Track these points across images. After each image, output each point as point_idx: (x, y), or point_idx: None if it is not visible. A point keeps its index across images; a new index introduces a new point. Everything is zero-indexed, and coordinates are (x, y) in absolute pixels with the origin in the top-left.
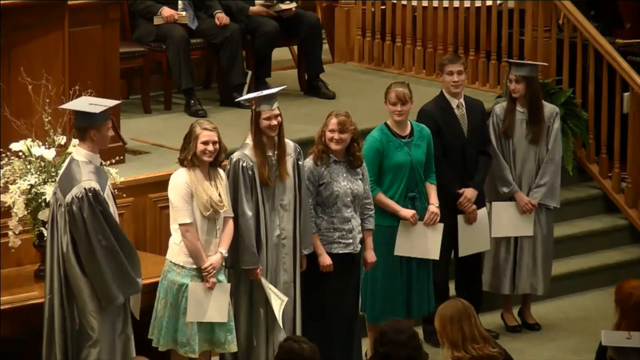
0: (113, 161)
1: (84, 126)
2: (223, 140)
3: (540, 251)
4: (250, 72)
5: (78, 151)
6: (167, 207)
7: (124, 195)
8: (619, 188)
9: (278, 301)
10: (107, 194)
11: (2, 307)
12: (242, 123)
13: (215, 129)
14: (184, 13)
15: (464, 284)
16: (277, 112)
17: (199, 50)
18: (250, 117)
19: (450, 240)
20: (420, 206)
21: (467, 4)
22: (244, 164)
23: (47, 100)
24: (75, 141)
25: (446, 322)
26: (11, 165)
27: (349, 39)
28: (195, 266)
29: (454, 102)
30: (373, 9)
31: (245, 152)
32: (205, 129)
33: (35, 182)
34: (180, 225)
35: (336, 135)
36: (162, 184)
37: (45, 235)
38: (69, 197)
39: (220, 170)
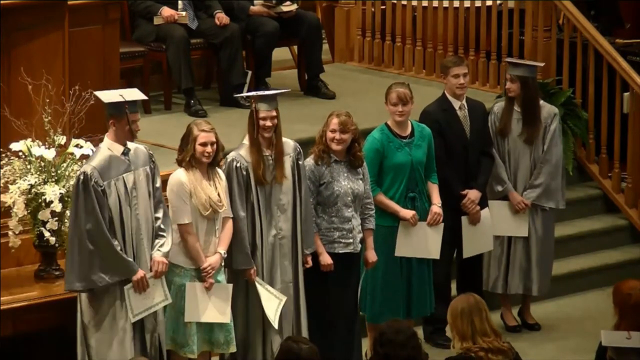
0: None
1: (106, 115)
2: (223, 141)
3: (535, 252)
4: (250, 72)
5: (106, 137)
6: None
7: None
8: (619, 188)
9: (275, 301)
10: (116, 185)
11: (2, 307)
12: (242, 123)
13: (213, 129)
14: (184, 13)
15: (465, 283)
16: (273, 113)
17: (199, 50)
18: (250, 114)
19: (452, 240)
20: (421, 206)
21: (467, 4)
22: (238, 164)
23: (47, 100)
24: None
25: (457, 315)
26: (11, 165)
27: (349, 39)
28: (194, 266)
29: (456, 104)
30: (373, 9)
31: (240, 152)
32: (203, 130)
33: (35, 182)
34: (179, 225)
35: (337, 135)
36: (162, 183)
37: (46, 235)
38: None
39: (219, 170)
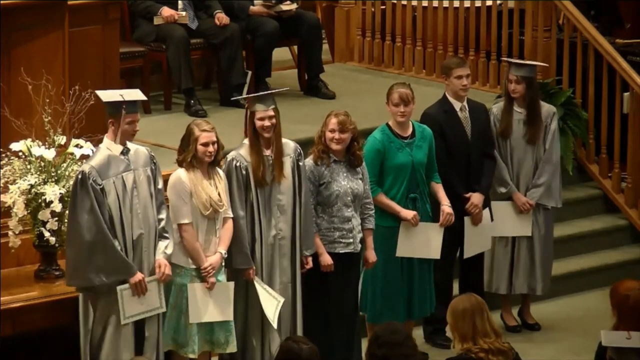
0: None
1: (106, 113)
2: (223, 141)
3: (539, 251)
4: (250, 72)
5: (105, 137)
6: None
7: None
8: (619, 188)
9: (274, 302)
10: (115, 184)
11: (2, 307)
12: (242, 123)
13: (213, 128)
14: (184, 13)
15: (467, 284)
16: (271, 113)
17: (199, 50)
18: (245, 116)
19: (454, 240)
20: (422, 207)
21: (467, 4)
22: (237, 164)
23: (47, 100)
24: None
25: (458, 316)
26: (11, 165)
27: (349, 39)
28: (194, 266)
29: (457, 105)
30: (373, 9)
31: (240, 151)
32: (204, 130)
33: (35, 182)
34: (179, 225)
35: (337, 135)
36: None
37: (46, 235)
38: None
39: (219, 170)
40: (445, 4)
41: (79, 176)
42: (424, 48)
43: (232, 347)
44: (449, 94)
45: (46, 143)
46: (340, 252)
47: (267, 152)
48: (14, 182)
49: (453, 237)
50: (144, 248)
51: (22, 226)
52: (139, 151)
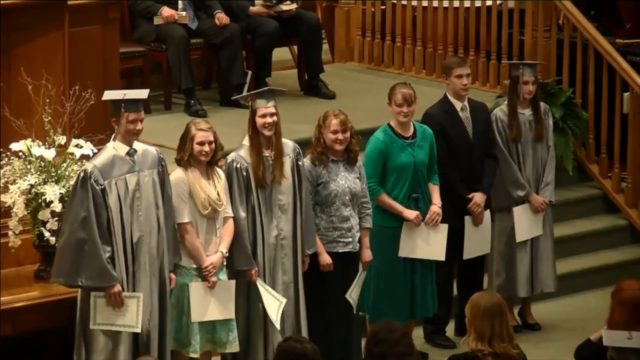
0: None
1: (111, 113)
2: (223, 141)
3: (550, 248)
4: (250, 72)
5: (112, 137)
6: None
7: None
8: (619, 188)
9: (276, 303)
10: (117, 185)
11: (2, 307)
12: (242, 123)
13: (211, 128)
14: (184, 13)
15: (466, 284)
16: (272, 110)
17: (199, 50)
18: (249, 115)
19: (455, 241)
20: (424, 207)
21: (467, 4)
22: (238, 165)
23: (47, 100)
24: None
25: (478, 312)
26: (11, 165)
27: (349, 39)
28: (195, 266)
29: (458, 105)
30: (373, 9)
31: (240, 153)
32: (201, 129)
33: (35, 182)
34: (178, 224)
35: (340, 136)
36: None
37: (46, 235)
38: None
39: (218, 169)
40: (445, 4)
41: (81, 174)
42: (424, 48)
43: (235, 347)
44: (449, 93)
45: (46, 143)
46: (340, 251)
47: (267, 153)
48: (14, 182)
49: (453, 237)
50: (145, 251)
51: (22, 226)
52: (147, 152)
